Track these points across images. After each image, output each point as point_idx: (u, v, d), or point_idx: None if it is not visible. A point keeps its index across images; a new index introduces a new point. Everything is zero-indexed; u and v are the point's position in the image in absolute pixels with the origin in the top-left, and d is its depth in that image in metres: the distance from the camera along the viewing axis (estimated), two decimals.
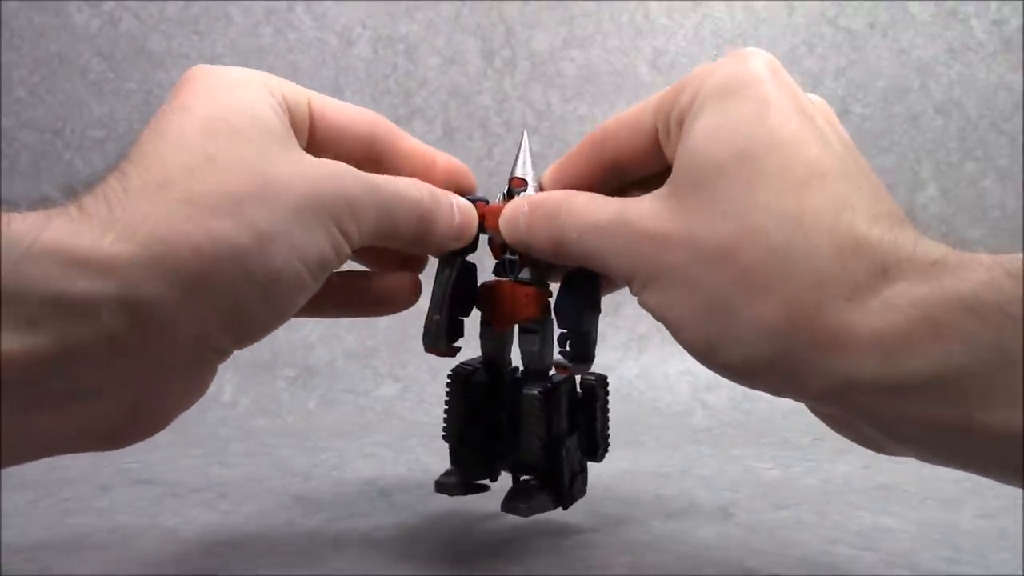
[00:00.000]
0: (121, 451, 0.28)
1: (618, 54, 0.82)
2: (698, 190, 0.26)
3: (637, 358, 0.74)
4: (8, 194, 0.79)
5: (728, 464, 0.51)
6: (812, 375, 0.24)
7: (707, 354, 0.27)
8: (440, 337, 0.32)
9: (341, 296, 0.34)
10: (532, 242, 0.31)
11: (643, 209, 0.28)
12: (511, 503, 0.32)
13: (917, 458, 0.26)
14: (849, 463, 0.50)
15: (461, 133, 0.81)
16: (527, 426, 0.32)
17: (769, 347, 0.25)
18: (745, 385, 0.27)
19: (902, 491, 0.44)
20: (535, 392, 0.32)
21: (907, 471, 0.49)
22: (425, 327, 0.33)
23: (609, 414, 0.35)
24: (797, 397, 0.26)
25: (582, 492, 0.35)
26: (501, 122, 0.81)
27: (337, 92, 0.81)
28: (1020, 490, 0.43)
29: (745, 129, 0.26)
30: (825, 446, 0.55)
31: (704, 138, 0.27)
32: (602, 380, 0.35)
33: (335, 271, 0.30)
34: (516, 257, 0.33)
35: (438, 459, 0.49)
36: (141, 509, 0.40)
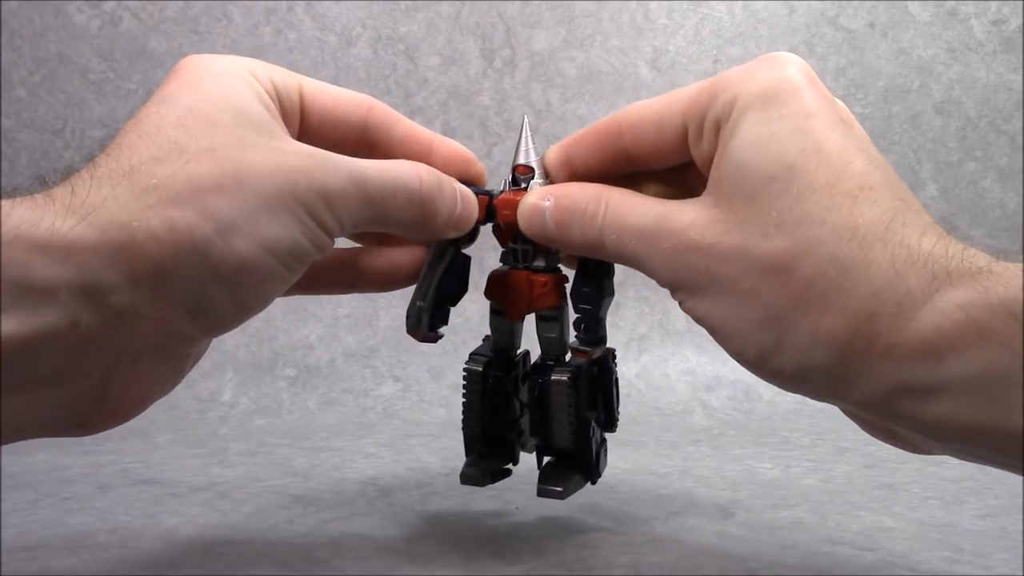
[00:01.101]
0: (121, 451, 0.28)
1: (618, 54, 0.82)
2: (747, 202, 0.27)
3: (637, 358, 0.74)
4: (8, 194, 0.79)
5: (728, 464, 0.51)
6: (863, 382, 0.25)
7: (759, 363, 0.27)
8: (421, 323, 0.32)
9: (346, 272, 0.34)
10: (561, 239, 0.31)
11: (688, 218, 0.28)
12: (546, 487, 0.32)
13: (954, 456, 0.27)
14: (849, 463, 0.50)
15: (461, 133, 0.81)
16: (557, 412, 0.32)
17: (825, 357, 0.25)
18: (789, 390, 0.27)
19: (902, 491, 0.44)
20: (564, 378, 0.32)
21: (908, 471, 0.48)
22: (408, 311, 0.32)
23: (620, 394, 0.36)
24: (841, 403, 0.27)
25: (605, 464, 0.35)
26: (501, 122, 0.81)
27: None
28: (1020, 490, 0.43)
29: (792, 142, 0.26)
30: (825, 446, 0.55)
31: (751, 149, 0.27)
32: (611, 353, 0.35)
33: (340, 248, 0.30)
34: (530, 246, 0.33)
35: (438, 459, 0.49)
36: (141, 509, 0.40)
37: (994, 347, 0.23)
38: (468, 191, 0.32)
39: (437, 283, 0.32)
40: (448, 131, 0.81)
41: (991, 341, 0.23)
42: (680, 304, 0.29)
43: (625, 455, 0.51)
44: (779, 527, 0.38)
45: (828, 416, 0.68)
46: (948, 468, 0.48)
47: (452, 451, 0.49)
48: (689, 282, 0.28)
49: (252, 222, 0.26)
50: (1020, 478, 0.42)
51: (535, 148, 0.33)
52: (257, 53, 0.80)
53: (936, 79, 0.83)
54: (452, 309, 0.34)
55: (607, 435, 0.36)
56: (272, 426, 0.61)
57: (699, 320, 0.28)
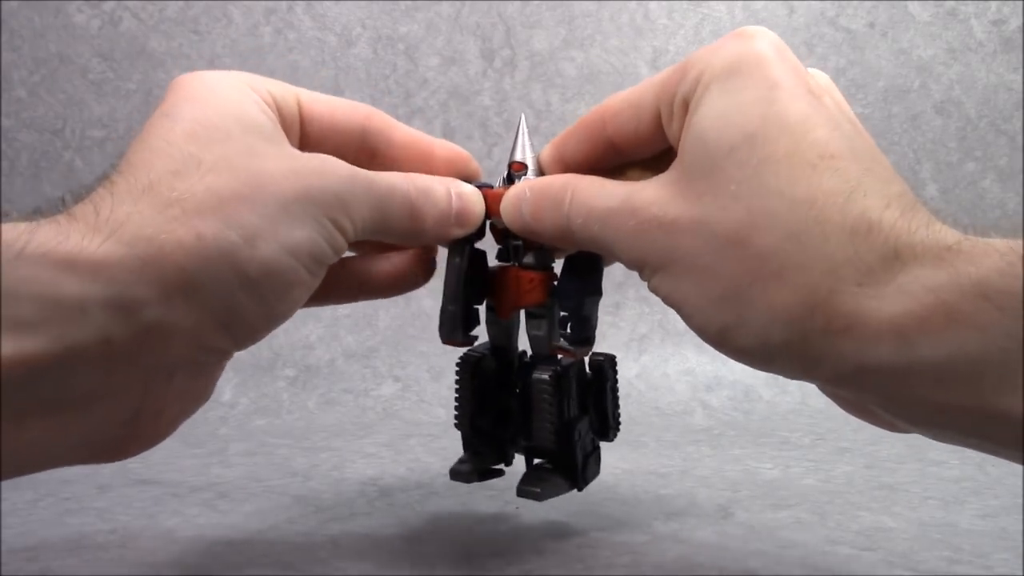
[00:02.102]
0: None
1: (618, 54, 0.82)
2: (707, 174, 0.26)
3: (637, 358, 0.74)
4: (8, 194, 0.79)
5: (728, 464, 0.51)
6: (826, 360, 0.25)
7: (721, 340, 0.27)
8: (457, 328, 0.32)
9: (351, 280, 0.34)
10: (536, 228, 0.31)
11: (650, 194, 0.28)
12: (525, 487, 0.32)
13: (930, 438, 0.26)
14: (849, 463, 0.50)
15: (461, 133, 0.81)
16: (538, 411, 0.32)
17: (784, 333, 0.25)
18: (761, 369, 0.27)
19: (902, 491, 0.44)
20: (545, 376, 0.32)
21: (908, 471, 0.48)
22: (440, 319, 0.32)
23: (619, 393, 0.36)
24: (812, 380, 0.26)
25: (596, 473, 0.35)
26: (501, 122, 0.81)
27: (337, 92, 0.81)
28: (1020, 490, 0.43)
29: (753, 111, 0.26)
30: (825, 446, 0.55)
31: (711, 120, 0.27)
32: (611, 360, 0.35)
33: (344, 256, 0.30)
34: (520, 242, 0.33)
35: (438, 459, 0.49)
36: (141, 509, 0.40)
37: (966, 330, 0.22)
38: (468, 188, 0.32)
39: (464, 284, 0.32)
40: (448, 131, 0.81)
41: (963, 324, 0.22)
42: (648, 284, 0.28)
43: (625, 455, 0.51)
44: (779, 527, 0.38)
45: (828, 416, 0.68)
46: (948, 468, 0.48)
47: (452, 451, 0.49)
48: (653, 260, 0.27)
49: (274, 228, 0.26)
50: (1020, 478, 0.43)
51: (532, 146, 0.33)
52: (257, 53, 0.80)
53: (936, 79, 0.83)
54: (478, 308, 0.34)
55: (603, 444, 0.35)
56: (272, 426, 0.61)
57: (665, 298, 0.28)
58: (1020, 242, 0.23)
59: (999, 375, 0.22)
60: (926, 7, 0.83)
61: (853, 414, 0.28)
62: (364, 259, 0.34)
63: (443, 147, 0.33)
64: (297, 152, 0.29)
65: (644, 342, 0.74)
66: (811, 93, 0.27)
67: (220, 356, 0.28)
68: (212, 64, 0.80)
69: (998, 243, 0.23)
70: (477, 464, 0.34)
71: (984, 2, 0.83)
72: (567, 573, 0.31)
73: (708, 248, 0.26)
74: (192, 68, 0.80)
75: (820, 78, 0.29)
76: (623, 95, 0.31)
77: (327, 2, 0.81)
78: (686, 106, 0.28)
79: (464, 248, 0.33)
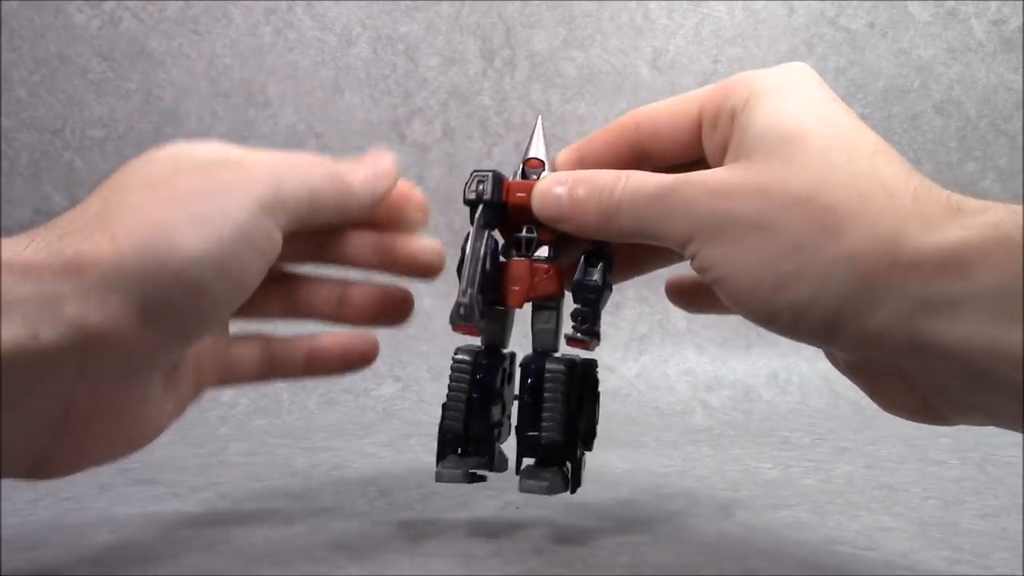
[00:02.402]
0: None
1: (618, 54, 0.82)
2: (768, 158, 0.27)
3: (637, 358, 0.74)
4: (8, 194, 0.79)
5: (728, 464, 0.51)
6: (886, 303, 0.25)
7: (774, 295, 0.26)
8: (474, 312, 0.32)
9: (296, 357, 0.35)
10: (573, 215, 0.31)
11: (709, 174, 0.28)
12: (531, 481, 0.32)
13: (964, 419, 0.26)
14: (849, 463, 0.50)
15: (461, 133, 0.81)
16: (551, 402, 0.32)
17: (848, 277, 0.25)
18: (800, 331, 0.27)
19: (902, 491, 0.44)
20: (560, 367, 0.32)
21: (908, 471, 0.49)
22: (457, 303, 0.32)
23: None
24: (854, 340, 0.26)
25: (581, 481, 0.34)
26: (501, 122, 0.81)
27: (337, 92, 0.81)
28: (1020, 490, 0.43)
29: (809, 113, 0.28)
30: (825, 446, 0.55)
31: (768, 119, 0.28)
32: (594, 362, 0.35)
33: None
34: (533, 235, 0.33)
35: None
36: (141, 509, 0.40)
37: (1020, 262, 0.23)
38: (374, 155, 0.33)
39: (482, 270, 0.32)
40: (448, 131, 0.81)
41: (1018, 255, 0.23)
42: (693, 258, 0.28)
43: (625, 455, 0.51)
44: (779, 527, 0.38)
45: (828, 416, 0.68)
46: (948, 468, 0.48)
47: None
48: (706, 228, 0.28)
49: (191, 216, 0.27)
50: (1020, 478, 0.43)
51: (546, 147, 0.33)
52: (257, 53, 0.80)
53: (936, 79, 0.83)
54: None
55: (599, 446, 0.35)
56: (272, 426, 0.61)
57: (710, 268, 0.28)
58: None
59: None
60: (926, 7, 0.83)
61: (884, 403, 0.28)
62: (311, 338, 0.35)
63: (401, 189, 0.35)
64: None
65: (644, 342, 0.74)
66: (851, 112, 0.29)
67: (147, 358, 0.27)
68: (212, 64, 0.80)
69: None
70: (465, 466, 0.34)
71: (984, 2, 0.83)
72: (567, 573, 0.31)
73: (772, 208, 0.26)
74: (192, 68, 0.80)
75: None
76: (660, 103, 0.32)
77: (327, 2, 0.81)
78: (732, 117, 0.29)
79: (484, 233, 0.32)
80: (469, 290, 0.32)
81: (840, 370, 0.31)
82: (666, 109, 0.32)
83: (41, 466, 0.27)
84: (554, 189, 0.31)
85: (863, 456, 0.51)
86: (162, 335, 0.27)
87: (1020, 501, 0.42)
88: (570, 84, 0.82)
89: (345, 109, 0.81)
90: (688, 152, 0.31)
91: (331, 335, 0.36)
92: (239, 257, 0.27)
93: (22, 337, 0.24)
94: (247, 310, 0.31)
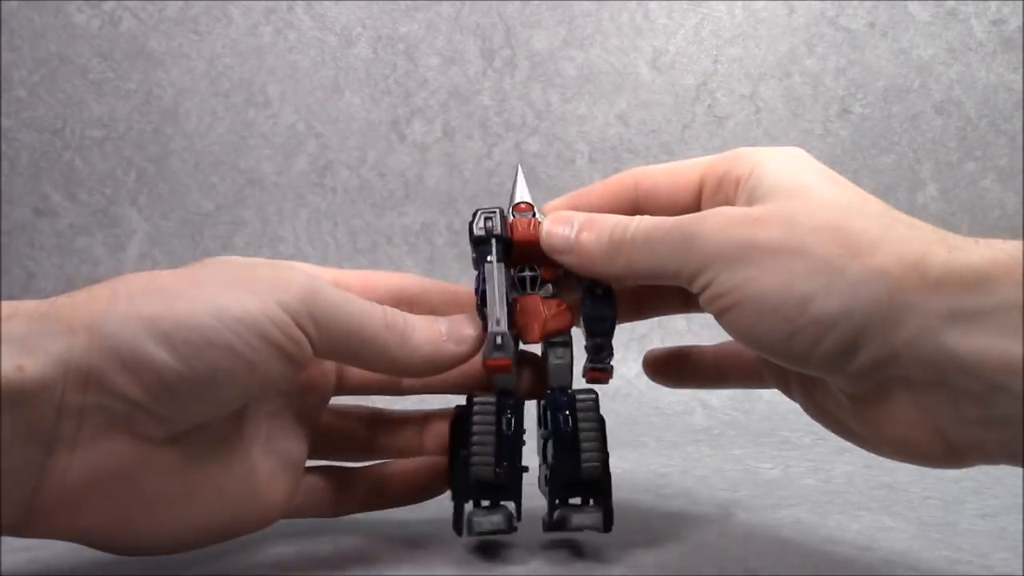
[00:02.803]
0: None
1: (618, 54, 0.82)
2: (791, 197, 0.28)
3: (637, 358, 0.73)
4: (8, 194, 0.79)
5: (728, 464, 0.51)
6: (914, 314, 0.25)
7: (796, 314, 0.26)
8: (510, 343, 0.31)
9: (366, 487, 0.34)
10: (583, 250, 0.31)
11: (725, 209, 0.29)
12: (579, 516, 0.31)
13: (971, 450, 0.26)
14: (849, 463, 0.50)
15: (461, 133, 0.81)
16: (589, 432, 0.31)
17: (875, 292, 0.25)
18: (808, 359, 0.27)
19: (902, 491, 0.44)
20: (593, 396, 0.32)
21: (908, 471, 0.48)
22: (491, 334, 0.31)
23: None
24: (871, 358, 0.26)
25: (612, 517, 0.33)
26: (501, 122, 0.81)
27: (337, 92, 0.81)
28: (1020, 490, 0.43)
29: (818, 175, 0.29)
30: (825, 446, 0.55)
31: (783, 172, 0.29)
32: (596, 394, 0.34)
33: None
34: (537, 274, 0.33)
35: None
36: None
37: None
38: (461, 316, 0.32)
39: (509, 302, 0.31)
40: (448, 131, 0.81)
41: None
42: (706, 287, 0.28)
43: (625, 455, 0.51)
44: (779, 527, 0.38)
45: None
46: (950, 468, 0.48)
47: None
48: (727, 253, 0.27)
49: (200, 293, 0.26)
50: (1020, 478, 0.42)
51: (529, 192, 0.34)
52: (257, 53, 0.80)
53: (936, 79, 0.83)
54: None
55: None
56: None
57: (726, 294, 0.27)
58: None
59: None
60: (926, 7, 0.83)
61: (890, 444, 0.28)
62: (380, 466, 0.35)
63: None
64: None
65: (644, 342, 0.74)
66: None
67: (129, 416, 0.25)
68: (212, 64, 0.80)
69: None
70: (503, 512, 0.32)
71: (984, 2, 0.83)
72: (567, 573, 0.31)
73: (798, 233, 0.27)
74: (192, 68, 0.80)
75: None
76: (661, 166, 0.33)
77: (327, 2, 0.81)
78: (738, 182, 0.30)
79: (502, 267, 0.32)
80: (502, 320, 0.31)
81: (827, 423, 0.31)
82: (667, 172, 0.33)
83: (26, 523, 0.26)
84: (562, 225, 0.32)
85: (863, 456, 0.51)
86: (149, 390, 0.25)
87: (1020, 501, 0.42)
88: (570, 84, 0.82)
89: (345, 109, 0.81)
90: (682, 213, 0.31)
91: (401, 463, 0.35)
92: (244, 338, 0.26)
93: (8, 369, 0.23)
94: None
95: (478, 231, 0.32)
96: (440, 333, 0.31)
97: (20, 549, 0.34)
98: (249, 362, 0.26)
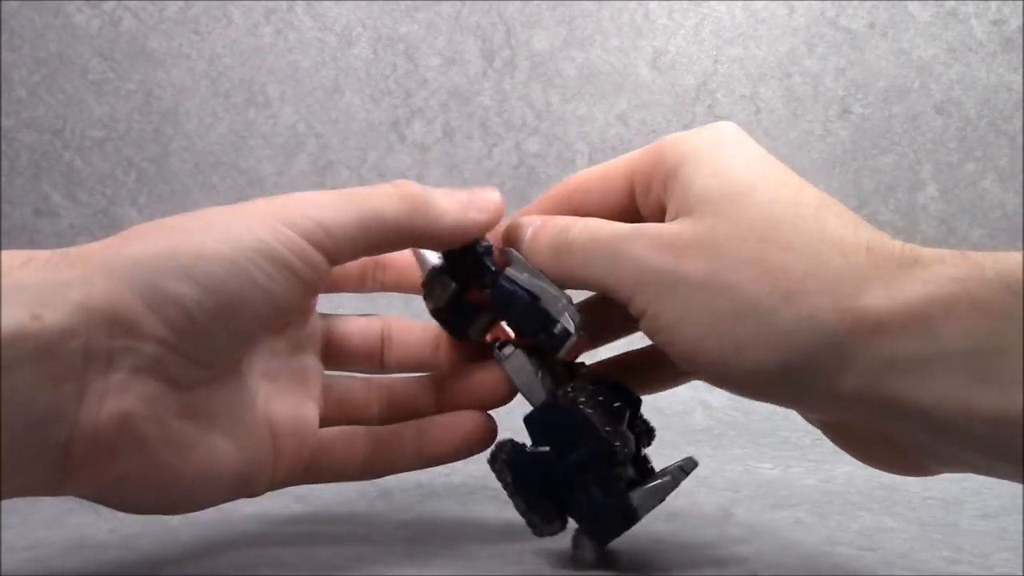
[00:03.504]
0: None
1: (618, 54, 0.82)
2: (714, 215, 0.27)
3: None
4: (8, 194, 0.79)
5: (728, 464, 0.51)
6: (855, 362, 0.24)
7: (731, 359, 0.26)
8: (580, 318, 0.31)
9: (407, 449, 0.33)
10: (532, 252, 0.31)
11: (659, 227, 0.28)
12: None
13: (945, 467, 0.26)
14: (849, 463, 0.50)
15: (461, 133, 0.81)
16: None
17: (812, 339, 0.24)
18: (756, 396, 0.27)
19: (902, 491, 0.44)
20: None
21: None
22: (568, 318, 0.30)
23: None
24: (830, 398, 0.25)
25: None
26: (501, 122, 0.81)
27: (337, 92, 0.81)
28: (1020, 490, 0.43)
29: (749, 169, 0.28)
30: (825, 446, 0.54)
31: (708, 178, 0.28)
32: None
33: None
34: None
35: None
36: None
37: (992, 320, 0.22)
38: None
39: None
40: (448, 131, 0.81)
41: (988, 314, 0.22)
42: (642, 316, 0.28)
43: None
44: (779, 527, 0.38)
45: None
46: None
47: None
48: (654, 282, 0.27)
49: (208, 225, 0.26)
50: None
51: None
52: (257, 53, 0.80)
53: (936, 79, 0.83)
54: None
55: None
56: None
57: (661, 331, 0.27)
58: None
59: None
60: (926, 7, 0.83)
61: (864, 459, 0.28)
62: (420, 424, 0.33)
63: None
64: None
65: (644, 342, 0.74)
66: (787, 168, 0.28)
67: (166, 359, 0.25)
68: (212, 64, 0.80)
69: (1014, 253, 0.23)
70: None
71: (984, 2, 0.83)
72: (567, 573, 0.31)
73: (722, 267, 0.26)
74: (192, 68, 0.80)
75: None
76: (589, 171, 0.32)
77: (327, 2, 0.81)
78: (666, 179, 0.29)
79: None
80: (566, 301, 0.30)
81: (816, 426, 0.30)
82: (597, 175, 0.32)
83: (63, 479, 0.25)
84: (524, 227, 0.32)
85: None
86: (172, 325, 0.25)
87: (1020, 501, 0.42)
88: (570, 84, 0.82)
89: (345, 109, 0.81)
90: (627, 216, 0.30)
91: (443, 418, 0.34)
92: (261, 266, 0.26)
93: (22, 318, 0.23)
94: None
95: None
96: (463, 200, 0.31)
97: (20, 549, 0.34)
98: (265, 288, 0.27)
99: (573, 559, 0.31)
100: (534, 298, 0.30)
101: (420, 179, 0.81)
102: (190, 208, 0.77)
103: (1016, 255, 0.23)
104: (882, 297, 0.24)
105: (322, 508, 0.40)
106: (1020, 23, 0.83)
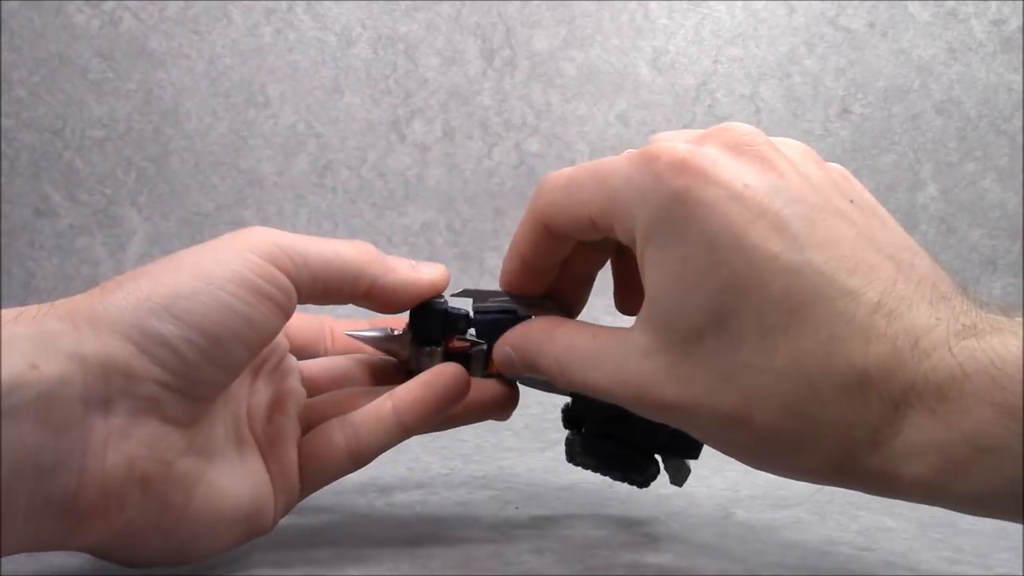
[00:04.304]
0: None
1: (618, 54, 0.82)
2: (688, 354, 0.25)
3: None
4: (8, 194, 0.79)
5: (728, 464, 0.51)
6: (868, 485, 0.25)
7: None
8: None
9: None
10: (511, 372, 0.32)
11: (639, 370, 0.26)
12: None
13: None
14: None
15: (461, 133, 0.81)
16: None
17: (818, 481, 0.25)
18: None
19: None
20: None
21: None
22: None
23: None
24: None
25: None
26: (501, 122, 0.81)
27: (337, 92, 0.81)
28: None
29: (707, 283, 0.24)
30: None
31: (672, 295, 0.25)
32: None
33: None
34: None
35: (438, 459, 0.49)
36: None
37: (981, 478, 0.22)
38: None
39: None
40: (448, 131, 0.81)
41: (974, 478, 0.22)
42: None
43: None
44: (779, 527, 0.38)
45: None
46: None
47: (452, 451, 0.49)
48: (632, 401, 0.27)
49: (181, 264, 0.27)
50: None
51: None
52: (257, 53, 0.80)
53: (936, 79, 0.83)
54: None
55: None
56: None
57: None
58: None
59: None
60: (926, 7, 0.83)
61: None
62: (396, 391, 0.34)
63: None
64: None
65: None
66: (751, 209, 0.24)
67: (154, 399, 0.26)
68: (212, 64, 0.80)
69: (992, 377, 0.22)
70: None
71: (984, 2, 0.83)
72: (567, 573, 0.31)
73: (713, 427, 0.26)
74: (192, 68, 0.80)
75: (790, 144, 0.27)
76: (561, 199, 0.30)
77: (327, 2, 0.81)
78: (631, 243, 0.27)
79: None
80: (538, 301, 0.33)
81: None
82: (564, 214, 0.30)
83: (72, 531, 0.25)
84: (506, 355, 0.32)
85: None
86: (162, 362, 0.26)
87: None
88: (570, 84, 0.82)
89: (345, 109, 0.81)
90: (595, 236, 0.30)
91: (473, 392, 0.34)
92: (237, 294, 0.27)
93: (21, 368, 0.23)
94: None
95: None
96: (411, 264, 0.32)
97: None
98: (246, 317, 0.27)
99: (674, 482, 0.35)
100: (513, 313, 0.32)
101: (420, 179, 0.81)
102: (190, 208, 0.77)
103: (986, 407, 0.22)
104: (876, 461, 0.24)
105: (322, 508, 0.40)
106: (1020, 23, 0.83)
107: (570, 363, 0.29)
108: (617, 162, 0.27)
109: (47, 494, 0.24)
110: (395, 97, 0.81)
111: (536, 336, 0.31)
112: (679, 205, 0.25)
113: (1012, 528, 0.38)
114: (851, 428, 0.23)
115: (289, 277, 0.28)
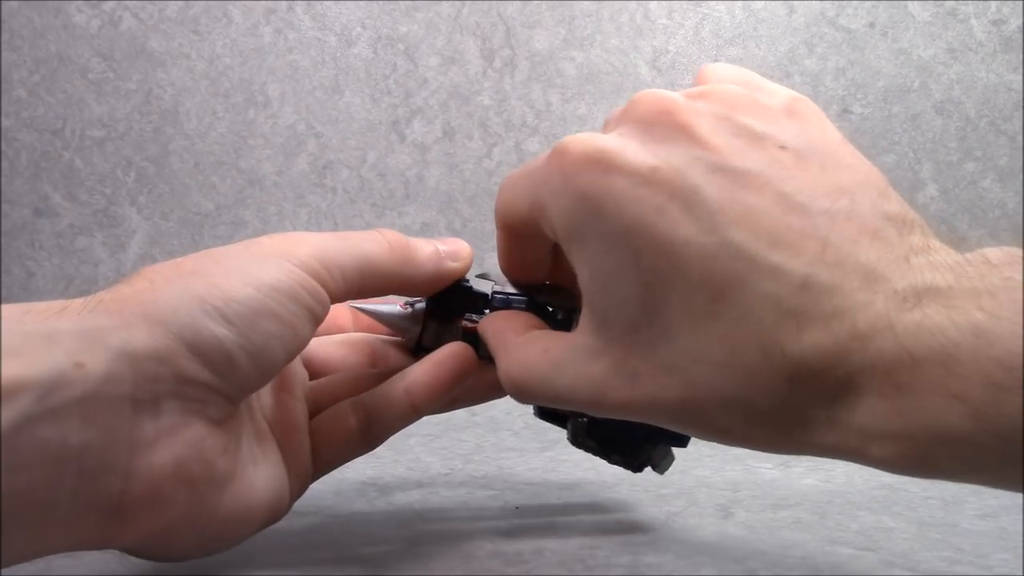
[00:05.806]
0: None
1: (618, 54, 0.82)
2: (627, 345, 0.24)
3: None
4: (8, 194, 0.79)
5: (728, 464, 0.51)
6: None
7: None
8: None
9: (482, 384, 0.33)
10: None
11: (589, 373, 0.26)
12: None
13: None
14: (849, 463, 0.50)
15: (461, 133, 0.81)
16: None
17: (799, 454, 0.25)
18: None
19: (902, 491, 0.44)
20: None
21: None
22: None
23: None
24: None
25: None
26: (501, 122, 0.81)
27: (337, 92, 0.81)
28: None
29: (629, 278, 0.23)
30: None
31: (601, 295, 0.25)
32: None
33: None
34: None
35: (438, 459, 0.49)
36: None
37: (952, 461, 0.20)
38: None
39: None
40: (448, 131, 0.81)
41: (943, 464, 0.21)
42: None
43: None
44: (779, 527, 0.38)
45: None
46: None
47: (452, 451, 0.49)
48: (589, 403, 0.27)
49: (234, 269, 0.27)
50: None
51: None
52: (257, 53, 0.80)
53: (936, 79, 0.83)
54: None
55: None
56: None
57: None
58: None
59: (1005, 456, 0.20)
60: (926, 7, 0.83)
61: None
62: (407, 373, 0.33)
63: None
64: None
65: None
66: (674, 195, 0.23)
67: (201, 393, 0.26)
68: (212, 64, 0.80)
69: (937, 374, 0.20)
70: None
71: (984, 2, 0.83)
72: (567, 573, 0.31)
73: (670, 419, 0.24)
74: (192, 68, 0.80)
75: (725, 100, 0.26)
76: (505, 203, 0.30)
77: (327, 2, 0.81)
78: (555, 242, 0.27)
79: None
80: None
81: None
82: (512, 216, 0.29)
83: (115, 532, 0.25)
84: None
85: None
86: (214, 366, 0.26)
87: (1020, 501, 0.42)
88: (570, 84, 0.82)
89: (345, 109, 0.81)
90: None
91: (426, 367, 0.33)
92: (284, 304, 0.27)
93: (64, 365, 0.23)
94: None
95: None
96: (439, 252, 0.32)
97: None
98: (290, 325, 0.27)
99: (657, 469, 0.36)
100: (531, 297, 0.33)
101: (420, 179, 0.81)
102: (190, 208, 0.77)
103: (937, 397, 0.20)
104: (835, 438, 0.22)
105: (322, 508, 0.40)
106: (1020, 23, 0.83)
107: (527, 382, 0.28)
108: (539, 161, 0.27)
109: (91, 495, 0.24)
110: (395, 97, 0.81)
111: (494, 346, 0.31)
112: (587, 202, 0.24)
113: (1012, 528, 0.38)
114: (800, 412, 0.22)
115: (326, 288, 0.29)
